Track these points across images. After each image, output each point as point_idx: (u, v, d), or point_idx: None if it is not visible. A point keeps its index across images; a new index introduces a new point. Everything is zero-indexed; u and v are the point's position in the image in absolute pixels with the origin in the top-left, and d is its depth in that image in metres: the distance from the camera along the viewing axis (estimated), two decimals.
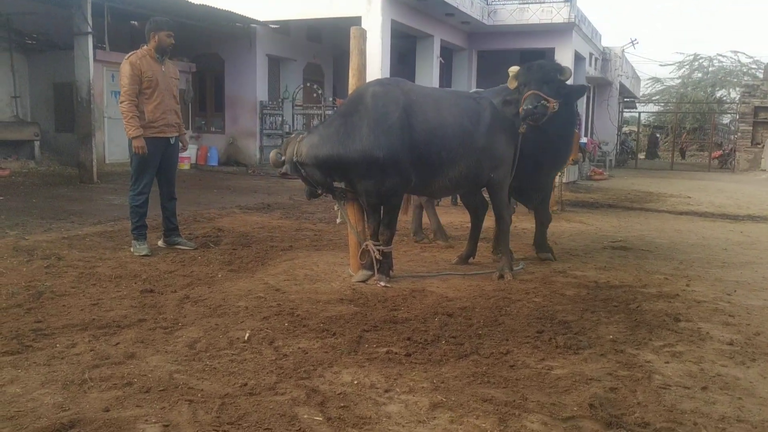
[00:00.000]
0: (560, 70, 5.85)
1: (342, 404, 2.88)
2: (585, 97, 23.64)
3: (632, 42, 26.94)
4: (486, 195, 5.98)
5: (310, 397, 2.94)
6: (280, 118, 17.02)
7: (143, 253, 5.79)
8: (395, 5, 15.34)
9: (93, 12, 11.70)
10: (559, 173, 8.69)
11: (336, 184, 5.10)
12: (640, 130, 35.72)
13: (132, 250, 5.89)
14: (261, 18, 15.55)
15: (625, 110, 34.29)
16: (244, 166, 16.25)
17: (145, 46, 5.94)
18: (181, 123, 6.23)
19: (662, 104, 40.17)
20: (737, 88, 32.80)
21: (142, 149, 5.75)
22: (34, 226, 6.95)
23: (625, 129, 35.86)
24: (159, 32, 5.89)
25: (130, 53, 5.91)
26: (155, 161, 5.96)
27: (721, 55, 37.99)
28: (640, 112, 36.16)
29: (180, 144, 6.26)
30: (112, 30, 13.34)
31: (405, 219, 8.26)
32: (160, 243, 6.24)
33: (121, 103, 5.82)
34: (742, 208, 11.77)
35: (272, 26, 16.36)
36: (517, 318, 4.26)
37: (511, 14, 18.78)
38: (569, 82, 5.86)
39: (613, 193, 13.96)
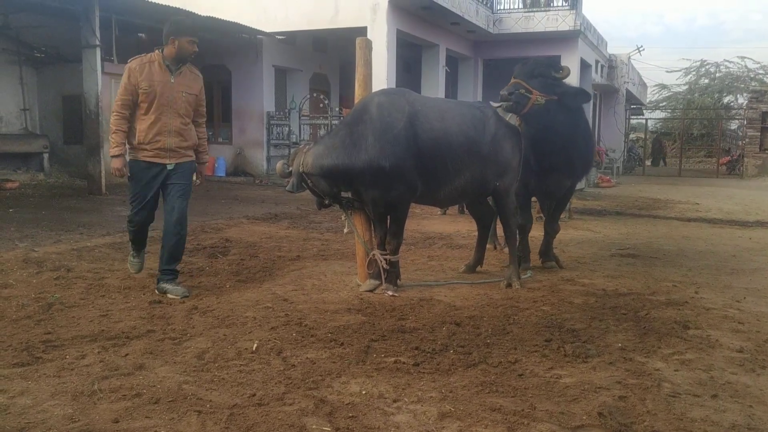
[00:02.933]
0: (555, 67, 5.83)
1: (350, 414, 2.89)
2: (591, 103, 23.67)
3: (638, 49, 26.93)
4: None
5: (319, 408, 2.94)
6: (287, 129, 17.07)
7: (132, 271, 5.29)
8: (400, 15, 15.40)
9: (101, 25, 11.81)
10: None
11: (343, 194, 5.12)
12: (648, 136, 35.61)
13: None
14: (267, 29, 15.64)
15: (632, 117, 34.24)
16: (252, 176, 16.31)
17: (157, 51, 4.96)
18: (200, 150, 5.18)
19: (669, 111, 40.05)
20: (745, 94, 32.69)
21: (118, 171, 4.88)
22: (44, 237, 6.99)
23: (632, 136, 35.78)
24: (180, 37, 4.86)
25: (135, 56, 4.99)
26: (148, 186, 4.95)
27: (728, 60, 37.76)
28: (647, 119, 36.09)
29: (195, 173, 5.19)
30: (120, 42, 13.44)
31: (411, 228, 8.27)
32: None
33: (111, 114, 4.99)
34: (751, 215, 11.71)
35: (278, 37, 16.44)
36: (525, 326, 4.25)
37: (516, 22, 18.82)
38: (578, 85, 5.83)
39: (620, 201, 13.92)
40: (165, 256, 4.97)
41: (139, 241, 5.28)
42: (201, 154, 5.20)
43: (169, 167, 4.95)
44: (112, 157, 4.89)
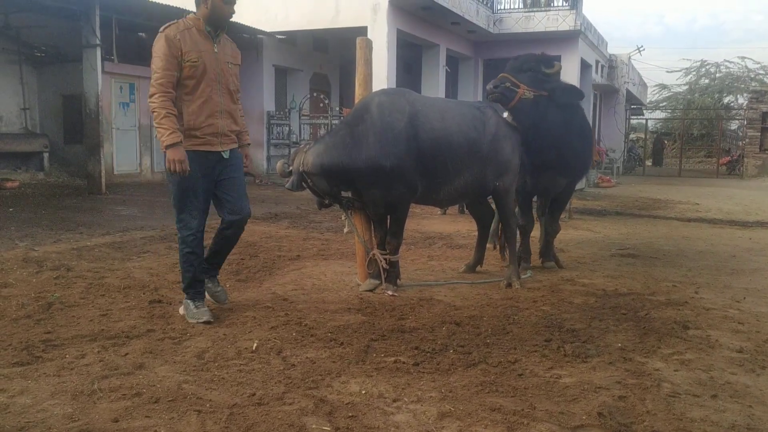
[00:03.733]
0: (546, 62, 5.80)
1: (350, 414, 2.88)
2: (591, 103, 23.67)
3: (639, 49, 26.94)
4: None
5: (318, 407, 2.94)
6: (287, 128, 17.09)
7: (203, 319, 4.14)
8: (401, 15, 15.40)
9: (101, 24, 11.81)
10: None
11: (343, 193, 5.12)
12: (648, 136, 35.63)
13: (182, 312, 4.28)
14: (267, 29, 15.65)
15: (632, 117, 34.25)
16: (252, 176, 16.31)
17: (192, 15, 4.14)
18: (243, 130, 4.44)
19: (669, 111, 40.06)
20: (745, 94, 32.70)
21: (181, 164, 3.91)
22: (44, 237, 6.99)
23: (633, 136, 35.80)
24: None
25: (167, 24, 4.06)
26: (200, 184, 4.14)
27: (728, 60, 37.79)
28: (647, 119, 36.11)
29: (243, 158, 4.45)
30: (120, 42, 13.45)
31: (411, 228, 8.27)
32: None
33: (150, 96, 3.98)
34: (751, 215, 11.71)
35: (279, 37, 16.45)
36: (524, 326, 4.25)
37: (516, 22, 18.83)
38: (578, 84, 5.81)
39: (620, 201, 13.93)
40: (219, 248, 4.43)
41: (199, 277, 4.27)
42: (244, 134, 4.46)
43: (225, 155, 4.21)
44: (169, 147, 3.88)
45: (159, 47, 3.95)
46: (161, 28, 4.00)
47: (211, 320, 4.16)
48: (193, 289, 4.25)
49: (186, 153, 3.97)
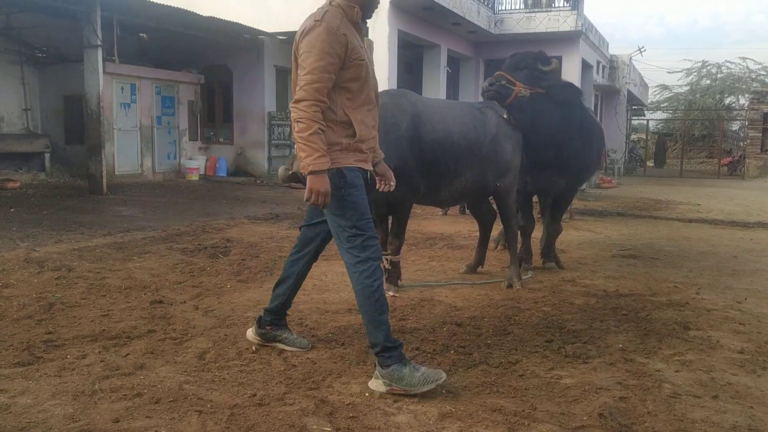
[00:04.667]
0: (542, 60, 5.78)
1: (351, 415, 2.88)
2: (593, 104, 23.65)
3: (640, 49, 26.91)
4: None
5: (319, 408, 2.94)
6: (289, 129, 17.10)
7: (442, 379, 3.12)
8: (402, 15, 15.40)
9: (102, 25, 11.82)
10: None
11: None
12: (649, 137, 35.61)
13: (385, 389, 3.10)
14: (269, 29, 15.65)
15: (634, 118, 34.22)
16: (253, 176, 16.32)
17: (335, 1, 3.18)
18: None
19: (671, 111, 40.05)
20: (746, 95, 32.69)
21: (323, 197, 3.01)
22: (45, 237, 7.00)
23: (634, 137, 35.79)
24: None
25: (322, 10, 3.14)
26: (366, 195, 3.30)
27: (729, 61, 37.76)
28: (648, 120, 36.10)
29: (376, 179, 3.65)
30: (122, 42, 13.47)
31: (412, 228, 8.27)
32: (249, 333, 3.79)
33: (296, 102, 3.06)
34: (752, 216, 11.70)
35: (280, 37, 16.45)
36: (525, 327, 4.25)
37: (517, 23, 18.82)
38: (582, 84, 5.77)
39: (621, 201, 13.92)
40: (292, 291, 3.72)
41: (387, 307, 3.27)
42: None
43: (369, 178, 3.43)
44: (315, 173, 2.99)
45: (318, 41, 3.05)
46: (318, 17, 3.10)
47: (445, 377, 3.14)
48: (398, 346, 3.18)
49: (350, 169, 3.17)
